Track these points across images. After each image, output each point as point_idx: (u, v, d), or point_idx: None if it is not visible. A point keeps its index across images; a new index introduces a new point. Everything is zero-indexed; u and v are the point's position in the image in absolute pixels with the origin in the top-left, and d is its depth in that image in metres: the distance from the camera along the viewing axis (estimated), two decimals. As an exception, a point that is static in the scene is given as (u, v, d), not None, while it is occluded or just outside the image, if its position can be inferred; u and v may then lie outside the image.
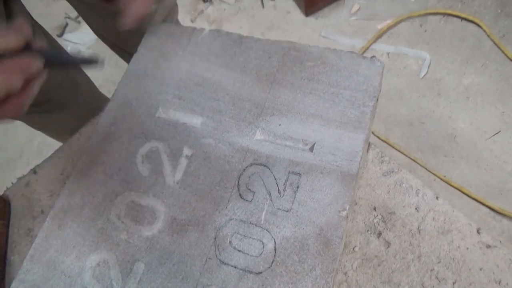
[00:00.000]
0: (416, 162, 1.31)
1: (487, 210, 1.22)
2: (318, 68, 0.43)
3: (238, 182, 0.39)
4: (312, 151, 0.39)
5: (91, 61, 0.39)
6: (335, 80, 0.42)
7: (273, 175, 0.39)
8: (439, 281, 0.38)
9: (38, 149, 1.54)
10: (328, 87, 0.42)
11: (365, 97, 0.41)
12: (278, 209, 0.37)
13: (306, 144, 0.40)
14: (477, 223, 1.20)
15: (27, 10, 0.69)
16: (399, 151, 1.33)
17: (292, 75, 0.43)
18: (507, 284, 0.37)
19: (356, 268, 0.40)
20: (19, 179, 0.52)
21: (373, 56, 0.42)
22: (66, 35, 1.76)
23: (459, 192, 1.26)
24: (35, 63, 0.36)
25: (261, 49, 0.45)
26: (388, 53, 1.48)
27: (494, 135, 1.31)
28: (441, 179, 1.27)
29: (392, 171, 0.44)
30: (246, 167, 0.40)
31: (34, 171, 0.52)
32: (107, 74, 1.56)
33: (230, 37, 0.46)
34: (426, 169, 1.29)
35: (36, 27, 0.70)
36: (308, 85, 0.42)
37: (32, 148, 1.55)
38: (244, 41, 0.46)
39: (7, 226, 0.49)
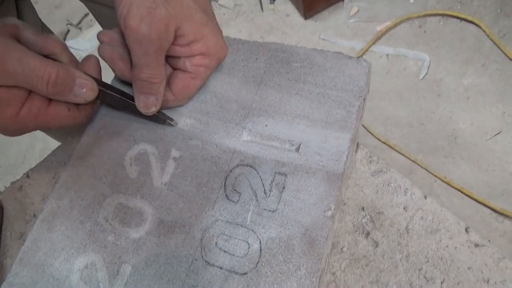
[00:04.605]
0: (417, 164, 1.30)
1: (489, 211, 1.22)
2: (305, 69, 0.43)
3: (224, 183, 0.39)
4: (298, 152, 0.39)
5: (161, 120, 0.42)
6: (322, 81, 0.42)
7: (259, 176, 0.39)
8: (427, 281, 0.38)
9: (40, 155, 1.55)
10: (314, 87, 0.42)
11: (351, 97, 0.41)
12: (264, 209, 0.37)
13: (292, 145, 0.40)
14: (479, 224, 1.20)
15: (36, 13, 0.70)
16: (399, 152, 1.33)
17: (279, 76, 0.43)
18: (495, 283, 0.37)
19: (344, 268, 0.40)
20: (13, 183, 0.52)
21: (360, 57, 0.42)
22: (68, 42, 1.78)
23: (461, 193, 1.25)
24: (82, 85, 0.38)
25: (249, 51, 0.45)
26: (387, 55, 1.48)
27: (495, 135, 1.30)
28: (442, 180, 1.27)
29: (381, 171, 0.43)
30: (232, 168, 0.40)
31: (27, 175, 0.52)
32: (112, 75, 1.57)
33: (218, 40, 0.46)
34: (427, 170, 1.29)
35: (46, 32, 0.71)
36: (295, 86, 0.42)
37: (34, 154, 1.56)
38: (232, 43, 0.46)
39: (0, 230, 0.49)
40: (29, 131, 0.39)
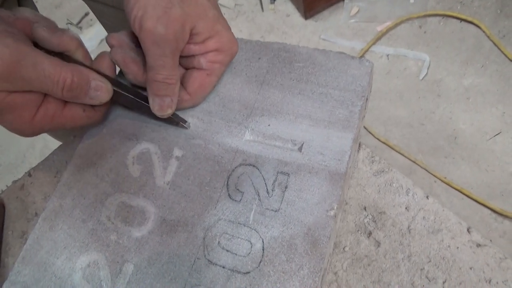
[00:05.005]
0: (417, 164, 1.30)
1: (489, 211, 1.22)
2: (307, 69, 0.43)
3: (227, 183, 0.39)
4: (300, 151, 0.39)
5: (175, 122, 0.42)
6: (324, 80, 0.42)
7: (262, 175, 0.39)
8: (429, 281, 0.38)
9: (40, 154, 1.55)
10: (317, 87, 0.42)
11: (354, 97, 0.41)
12: (267, 209, 0.37)
13: (295, 144, 0.40)
14: (479, 224, 1.20)
15: (38, 11, 0.70)
16: (399, 152, 1.33)
17: (281, 75, 0.43)
18: (497, 283, 0.37)
19: (346, 268, 0.40)
20: (14, 182, 0.52)
21: (362, 56, 0.42)
22: (68, 41, 1.77)
23: (460, 194, 1.25)
24: (97, 88, 0.38)
25: (251, 51, 0.45)
26: (387, 55, 1.48)
27: (495, 135, 1.30)
28: (442, 180, 1.27)
29: (383, 171, 0.44)
30: (235, 168, 0.40)
31: (28, 174, 0.52)
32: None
33: (220, 39, 0.46)
34: (426, 170, 1.29)
35: None
36: (297, 86, 0.42)
37: (34, 153, 1.56)
38: (234, 42, 0.46)
39: (1, 228, 0.49)
40: (45, 132, 0.39)
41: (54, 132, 0.89)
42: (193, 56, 0.40)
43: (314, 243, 0.35)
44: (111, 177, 0.42)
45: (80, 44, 0.39)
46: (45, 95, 0.36)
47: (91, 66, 0.40)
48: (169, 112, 0.40)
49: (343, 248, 0.41)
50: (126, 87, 0.41)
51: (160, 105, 0.39)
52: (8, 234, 0.49)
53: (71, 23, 1.82)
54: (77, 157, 0.44)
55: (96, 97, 0.38)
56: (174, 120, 0.42)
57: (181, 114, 0.43)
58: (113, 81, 0.40)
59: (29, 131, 0.37)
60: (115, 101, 0.41)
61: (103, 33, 1.70)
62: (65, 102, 0.38)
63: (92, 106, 0.40)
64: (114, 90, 0.39)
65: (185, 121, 0.42)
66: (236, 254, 0.36)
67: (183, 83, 0.41)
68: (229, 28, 0.41)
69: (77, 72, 0.36)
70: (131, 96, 0.41)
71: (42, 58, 0.34)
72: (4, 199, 0.51)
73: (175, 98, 0.40)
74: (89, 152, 0.43)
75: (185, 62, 0.41)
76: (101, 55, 0.41)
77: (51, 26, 0.38)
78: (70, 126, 0.39)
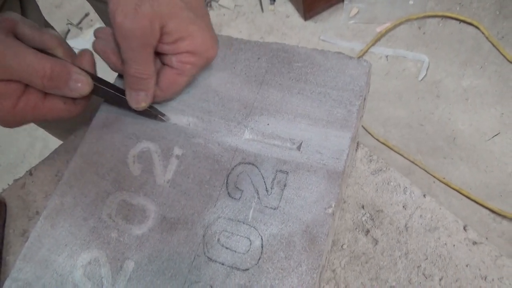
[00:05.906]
0: (416, 164, 1.31)
1: (487, 211, 1.22)
2: (306, 69, 0.43)
3: (226, 181, 0.40)
4: (299, 150, 0.40)
5: (153, 115, 0.43)
6: (323, 80, 0.42)
7: (261, 174, 0.39)
8: (426, 278, 0.39)
9: (40, 154, 1.56)
10: (315, 87, 0.42)
11: (352, 97, 0.41)
12: (266, 207, 0.38)
13: (294, 143, 0.40)
14: (477, 225, 1.20)
15: (40, 11, 0.71)
16: (398, 153, 1.33)
17: (280, 75, 0.44)
18: (492, 280, 0.38)
19: (344, 266, 0.41)
20: (15, 181, 0.53)
21: (360, 57, 0.43)
22: (68, 41, 1.78)
23: (459, 194, 1.26)
24: (78, 80, 0.39)
25: (251, 51, 0.46)
26: (387, 56, 1.48)
27: (493, 136, 1.31)
28: (441, 181, 1.27)
29: (380, 170, 0.44)
30: (234, 166, 0.40)
31: (30, 172, 0.53)
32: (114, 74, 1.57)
33: (220, 39, 0.47)
34: (425, 171, 1.29)
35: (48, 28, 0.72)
36: (296, 85, 0.43)
37: (33, 153, 1.57)
38: (234, 43, 0.46)
39: (3, 227, 0.50)
40: (27, 123, 0.41)
41: (55, 131, 0.90)
42: (166, 54, 0.41)
43: (312, 240, 0.36)
44: (112, 175, 0.42)
45: (61, 42, 0.41)
46: (27, 86, 0.38)
47: (72, 62, 0.41)
48: (143, 105, 0.41)
49: (341, 246, 0.42)
50: (106, 82, 0.42)
51: (135, 98, 0.41)
52: (9, 233, 0.50)
53: (71, 24, 1.83)
54: (78, 156, 0.44)
55: (76, 89, 0.39)
56: (152, 113, 0.43)
57: (181, 112, 0.43)
58: (93, 76, 0.41)
59: (11, 120, 0.39)
60: (96, 94, 0.42)
61: (103, 33, 1.70)
62: (46, 94, 0.39)
63: (73, 99, 0.41)
64: (94, 84, 0.41)
65: (163, 114, 0.43)
66: (235, 251, 0.37)
67: (157, 78, 0.42)
68: (206, 32, 0.40)
69: (57, 63, 0.37)
70: (111, 90, 0.42)
71: (23, 48, 0.36)
72: (5, 198, 0.52)
73: (150, 92, 0.41)
74: (90, 151, 0.44)
75: (161, 58, 0.42)
76: (82, 52, 0.42)
77: (34, 26, 0.39)
78: (51, 118, 0.40)
